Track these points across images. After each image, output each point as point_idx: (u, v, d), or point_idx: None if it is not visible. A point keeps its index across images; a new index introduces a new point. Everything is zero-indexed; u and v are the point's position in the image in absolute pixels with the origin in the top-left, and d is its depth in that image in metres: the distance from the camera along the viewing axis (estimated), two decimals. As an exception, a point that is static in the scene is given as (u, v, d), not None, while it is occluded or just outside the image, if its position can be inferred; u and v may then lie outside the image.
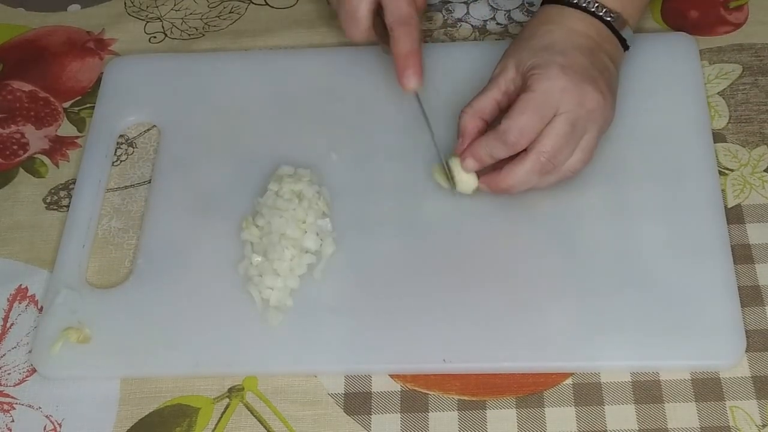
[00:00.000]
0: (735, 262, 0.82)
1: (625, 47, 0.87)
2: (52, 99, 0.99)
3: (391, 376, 0.80)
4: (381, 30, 0.89)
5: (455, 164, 0.84)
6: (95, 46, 1.03)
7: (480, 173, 0.83)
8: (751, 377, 0.77)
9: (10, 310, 0.86)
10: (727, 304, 0.79)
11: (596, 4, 0.84)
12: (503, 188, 0.82)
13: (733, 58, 0.95)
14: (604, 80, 0.82)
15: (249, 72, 0.97)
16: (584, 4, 0.84)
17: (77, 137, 0.96)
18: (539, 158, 0.80)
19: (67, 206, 0.91)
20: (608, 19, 0.84)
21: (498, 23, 1.00)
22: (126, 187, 0.92)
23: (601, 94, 0.81)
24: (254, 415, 0.79)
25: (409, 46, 0.86)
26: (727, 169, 0.88)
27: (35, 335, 0.83)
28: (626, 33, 0.86)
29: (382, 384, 0.79)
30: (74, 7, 1.06)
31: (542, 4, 0.87)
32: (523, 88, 0.81)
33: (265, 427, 0.78)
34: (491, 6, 1.01)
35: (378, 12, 0.89)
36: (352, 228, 0.86)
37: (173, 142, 0.93)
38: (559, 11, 0.85)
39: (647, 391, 0.77)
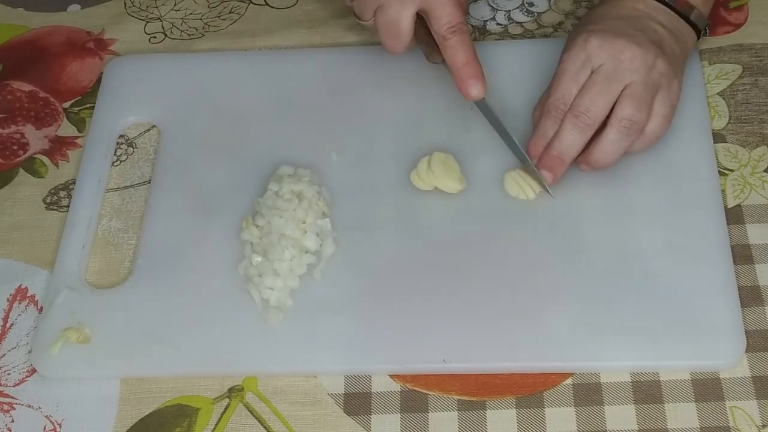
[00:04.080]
0: (735, 262, 0.82)
1: (696, 29, 0.86)
2: (52, 99, 0.99)
3: (391, 376, 0.80)
4: (425, 38, 0.88)
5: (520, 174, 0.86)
6: (95, 46, 1.03)
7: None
8: (751, 377, 0.77)
9: (10, 310, 0.86)
10: (727, 305, 0.79)
11: None
12: (594, 165, 0.83)
13: (733, 59, 0.95)
14: (644, 36, 0.81)
15: (249, 72, 0.97)
16: None
17: (77, 137, 0.96)
18: (573, 112, 0.81)
19: (67, 206, 0.91)
20: None
21: (498, 23, 1.00)
22: (126, 187, 0.92)
23: (638, 46, 0.80)
24: (254, 416, 0.79)
25: (467, 54, 0.84)
26: (727, 169, 0.88)
27: (35, 335, 0.83)
28: (695, 16, 0.86)
29: (382, 384, 0.79)
30: (74, 7, 1.06)
31: None
32: None
33: (265, 428, 0.78)
34: (491, 6, 1.01)
35: (420, 19, 0.86)
36: (352, 228, 0.86)
37: (173, 142, 0.93)
38: None
39: (647, 392, 0.77)
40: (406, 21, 0.85)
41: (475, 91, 0.84)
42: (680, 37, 0.85)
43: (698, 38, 0.88)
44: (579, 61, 0.82)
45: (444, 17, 0.84)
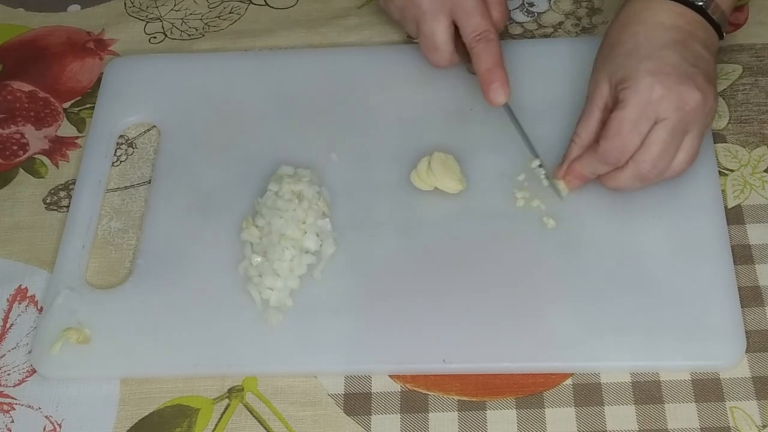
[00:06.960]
0: (735, 263, 0.82)
1: (720, 34, 0.83)
2: (52, 99, 0.99)
3: (391, 376, 0.80)
4: (462, 50, 0.89)
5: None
6: (95, 46, 1.03)
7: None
8: (751, 378, 0.77)
9: (9, 310, 0.86)
10: (727, 305, 0.79)
11: None
12: (609, 188, 0.83)
13: (733, 59, 0.95)
14: (701, 73, 0.79)
15: (249, 72, 0.97)
16: None
17: (77, 137, 0.96)
18: (638, 168, 0.79)
19: (67, 206, 0.91)
20: (700, 3, 0.81)
21: (498, 23, 1.00)
22: (126, 188, 0.92)
23: (699, 92, 0.78)
24: (254, 416, 0.79)
25: (491, 60, 0.86)
26: (727, 169, 0.88)
27: (35, 336, 0.83)
28: (720, 19, 0.82)
29: (382, 384, 0.79)
30: (74, 7, 1.06)
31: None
32: (615, 103, 0.79)
33: (264, 428, 0.78)
34: (491, 6, 1.01)
35: (457, 33, 0.89)
36: (352, 228, 0.86)
37: (173, 143, 0.93)
38: (643, 6, 0.82)
39: (647, 392, 0.77)
40: (440, 33, 0.88)
41: (497, 95, 0.86)
42: (714, 53, 0.82)
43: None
44: (644, 113, 0.77)
45: (470, 26, 0.87)
